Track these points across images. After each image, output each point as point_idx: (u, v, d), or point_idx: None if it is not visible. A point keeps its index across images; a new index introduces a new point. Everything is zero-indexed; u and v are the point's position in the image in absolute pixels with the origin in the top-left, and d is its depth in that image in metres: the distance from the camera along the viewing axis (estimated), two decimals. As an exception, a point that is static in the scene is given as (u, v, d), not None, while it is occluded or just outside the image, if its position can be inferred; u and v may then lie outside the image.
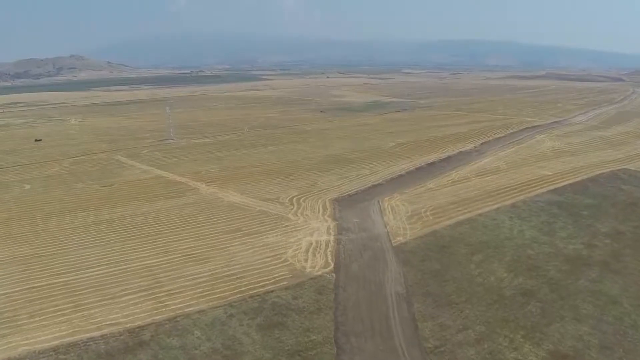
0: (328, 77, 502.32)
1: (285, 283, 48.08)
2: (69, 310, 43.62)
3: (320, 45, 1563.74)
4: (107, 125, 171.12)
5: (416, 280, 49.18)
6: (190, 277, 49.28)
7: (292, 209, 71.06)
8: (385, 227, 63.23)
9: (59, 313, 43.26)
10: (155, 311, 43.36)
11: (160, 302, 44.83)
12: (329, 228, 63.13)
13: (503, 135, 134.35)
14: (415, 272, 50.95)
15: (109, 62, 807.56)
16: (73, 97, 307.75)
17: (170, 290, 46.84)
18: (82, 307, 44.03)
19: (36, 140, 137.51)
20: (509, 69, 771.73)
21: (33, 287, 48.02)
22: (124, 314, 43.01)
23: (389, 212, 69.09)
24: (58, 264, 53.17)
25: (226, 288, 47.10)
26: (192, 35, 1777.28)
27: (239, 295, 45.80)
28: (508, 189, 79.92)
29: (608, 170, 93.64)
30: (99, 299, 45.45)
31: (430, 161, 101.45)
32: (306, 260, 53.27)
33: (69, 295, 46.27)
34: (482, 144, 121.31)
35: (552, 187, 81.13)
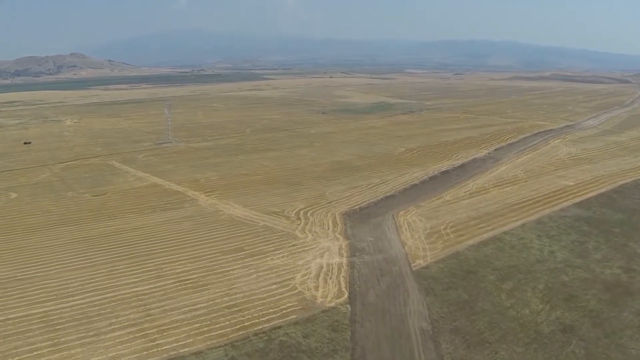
0: (331, 77, 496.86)
1: (294, 317, 42.23)
2: (46, 350, 37.97)
3: (321, 45, 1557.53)
4: (104, 126, 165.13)
5: (442, 314, 43.43)
6: (185, 309, 43.38)
7: (299, 224, 64.99)
8: (403, 247, 57.19)
9: (36, 353, 37.61)
10: (146, 352, 37.62)
11: (152, 340, 39.04)
12: (340, 248, 57.08)
13: (516, 140, 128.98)
14: (440, 303, 45.17)
15: (109, 60, 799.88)
16: (71, 96, 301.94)
17: (162, 325, 40.99)
18: (62, 346, 38.34)
19: (25, 143, 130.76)
20: (510, 69, 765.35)
21: (8, 319, 42.39)
22: (110, 355, 37.31)
23: (405, 229, 63.04)
24: (38, 289, 47.43)
25: (227, 323, 41.25)
26: (193, 33, 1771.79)
27: (241, 332, 39.99)
28: (531, 201, 74.27)
29: (631, 180, 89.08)
30: (81, 335, 39.73)
31: (444, 169, 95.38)
32: (317, 288, 47.34)
33: (48, 330, 40.57)
34: (496, 149, 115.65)
35: (577, 200, 76.01)
